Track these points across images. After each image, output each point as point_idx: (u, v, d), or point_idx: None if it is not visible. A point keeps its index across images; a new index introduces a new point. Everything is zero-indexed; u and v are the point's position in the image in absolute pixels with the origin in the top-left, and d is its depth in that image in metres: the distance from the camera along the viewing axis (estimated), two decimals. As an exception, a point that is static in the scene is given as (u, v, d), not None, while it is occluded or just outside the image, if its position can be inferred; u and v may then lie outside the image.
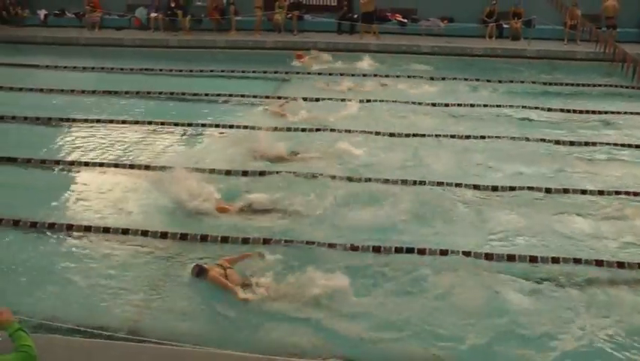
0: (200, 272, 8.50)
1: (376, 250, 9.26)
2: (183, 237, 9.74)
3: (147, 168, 12.35)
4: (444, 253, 9.16)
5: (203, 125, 14.80)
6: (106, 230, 9.97)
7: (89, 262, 9.20)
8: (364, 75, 18.95)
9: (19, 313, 6.58)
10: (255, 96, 16.82)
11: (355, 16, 23.06)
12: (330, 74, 18.89)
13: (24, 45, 23.83)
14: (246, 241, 9.54)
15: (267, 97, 16.78)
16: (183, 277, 8.76)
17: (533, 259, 9.05)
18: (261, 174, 11.87)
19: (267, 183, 11.46)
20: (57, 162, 12.77)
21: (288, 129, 14.33)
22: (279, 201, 10.72)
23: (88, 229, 10.02)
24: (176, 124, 14.82)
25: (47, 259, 9.35)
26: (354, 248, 9.28)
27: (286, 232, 9.84)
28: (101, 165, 12.67)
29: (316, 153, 12.88)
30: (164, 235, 9.76)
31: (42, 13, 25.72)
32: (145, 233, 9.82)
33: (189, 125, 14.73)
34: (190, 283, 8.59)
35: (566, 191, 11.25)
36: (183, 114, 15.55)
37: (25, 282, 8.73)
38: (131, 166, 12.50)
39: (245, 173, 11.93)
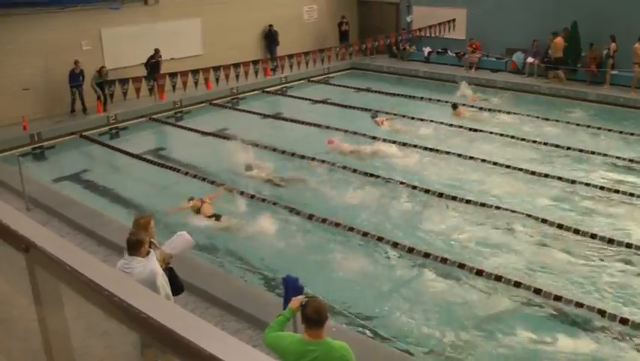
0: None
1: None
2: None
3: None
4: None
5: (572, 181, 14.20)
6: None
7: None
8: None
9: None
10: (605, 155, 15.73)
11: None
12: None
13: (406, 77, 25.92)
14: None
15: (632, 159, 15.52)
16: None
17: None
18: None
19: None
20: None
21: None
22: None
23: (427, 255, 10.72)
24: (532, 173, 14.67)
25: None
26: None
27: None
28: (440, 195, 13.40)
29: None
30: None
31: (426, 50, 27.60)
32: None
33: (545, 176, 14.48)
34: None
35: None
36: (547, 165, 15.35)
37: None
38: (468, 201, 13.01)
39: None
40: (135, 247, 6.50)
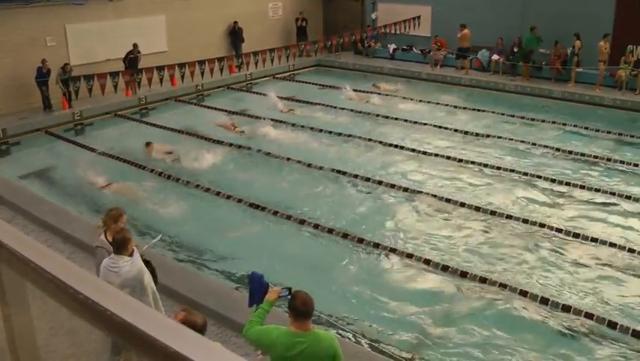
0: None
1: None
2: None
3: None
4: None
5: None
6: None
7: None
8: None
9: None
10: (583, 154, 15.89)
11: None
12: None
13: (371, 74, 26.01)
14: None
15: (596, 156, 15.74)
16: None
17: None
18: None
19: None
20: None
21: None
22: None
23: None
24: (485, 164, 15.11)
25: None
26: None
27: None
28: (392, 186, 13.84)
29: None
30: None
31: (391, 47, 27.75)
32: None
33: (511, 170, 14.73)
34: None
35: None
36: (508, 161, 15.56)
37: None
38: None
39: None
40: (122, 245, 6.51)
